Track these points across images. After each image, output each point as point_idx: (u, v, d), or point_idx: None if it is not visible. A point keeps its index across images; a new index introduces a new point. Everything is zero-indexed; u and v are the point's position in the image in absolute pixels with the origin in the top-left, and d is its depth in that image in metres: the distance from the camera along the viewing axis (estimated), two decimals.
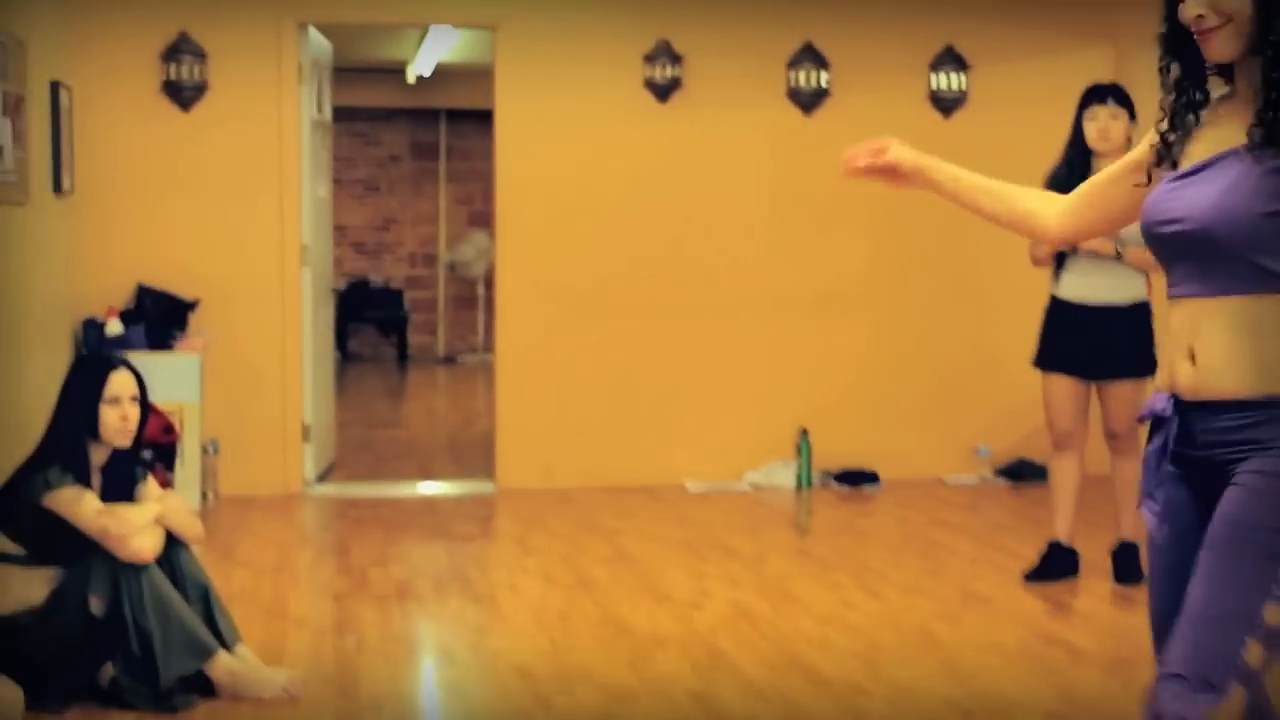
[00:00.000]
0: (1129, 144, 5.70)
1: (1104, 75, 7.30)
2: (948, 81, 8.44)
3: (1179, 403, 2.60)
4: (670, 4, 8.23)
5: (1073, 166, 5.72)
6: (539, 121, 8.13)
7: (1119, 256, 5.66)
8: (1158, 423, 2.67)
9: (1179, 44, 2.57)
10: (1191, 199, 2.52)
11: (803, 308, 8.32)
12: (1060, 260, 5.84)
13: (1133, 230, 5.67)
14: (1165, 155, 2.62)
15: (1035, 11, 8.44)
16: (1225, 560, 2.50)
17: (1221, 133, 2.53)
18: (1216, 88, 2.60)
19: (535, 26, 8.12)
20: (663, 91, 8.21)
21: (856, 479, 8.19)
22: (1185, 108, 2.61)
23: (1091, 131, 5.74)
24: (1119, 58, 8.12)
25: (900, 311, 8.38)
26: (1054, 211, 2.90)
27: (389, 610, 5.56)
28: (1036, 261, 5.91)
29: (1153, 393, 2.69)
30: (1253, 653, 2.45)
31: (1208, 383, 2.53)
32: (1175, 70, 2.61)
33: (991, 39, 8.45)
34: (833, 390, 8.35)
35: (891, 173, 2.97)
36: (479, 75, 8.51)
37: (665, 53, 8.19)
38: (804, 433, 8.17)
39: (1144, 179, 2.70)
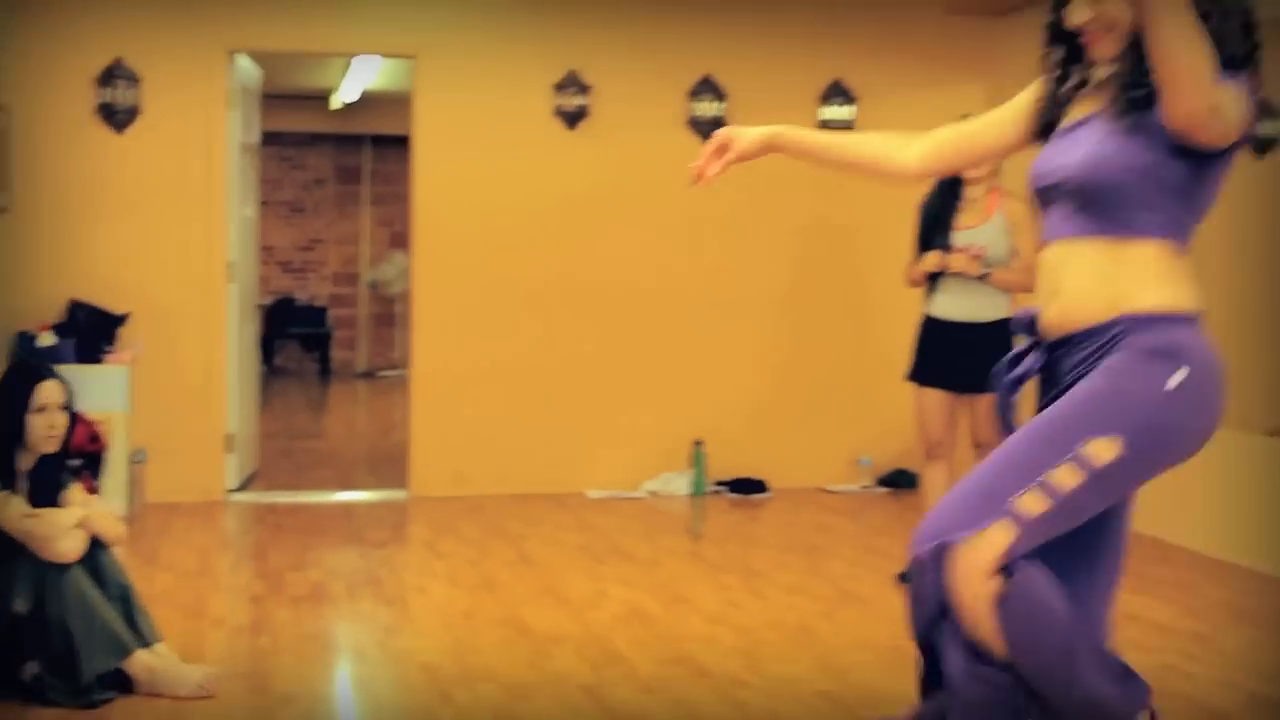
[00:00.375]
0: (997, 172, 5.87)
1: (978, 107, 7.47)
2: (836, 112, 8.62)
3: (1046, 345, 2.74)
4: (580, 36, 8.34)
5: (944, 192, 5.89)
6: (455, 146, 8.21)
7: (984, 278, 5.82)
8: (1016, 358, 2.82)
9: (1063, 33, 2.77)
10: (1067, 153, 2.69)
11: (699, 325, 8.45)
12: (933, 281, 6.00)
13: (997, 253, 5.85)
14: (1047, 114, 2.81)
15: (916, 48, 8.64)
16: (1033, 426, 2.64)
17: (1093, 102, 2.73)
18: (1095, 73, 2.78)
19: (452, 56, 8.20)
20: (571, 119, 8.31)
21: (746, 487, 8.33)
22: (1064, 80, 2.80)
23: None
24: (992, 89, 8.31)
25: (789, 330, 8.52)
26: (915, 150, 3.01)
27: (303, 611, 5.61)
28: (911, 283, 6.06)
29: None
30: (1029, 500, 2.53)
31: (1070, 314, 2.66)
32: (1059, 53, 2.78)
33: (877, 73, 8.63)
34: (726, 405, 8.48)
35: (743, 158, 3.03)
36: (402, 102, 8.56)
37: (574, 83, 8.30)
38: (698, 444, 8.29)
39: (1016, 129, 2.88)
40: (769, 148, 3.03)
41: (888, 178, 3.12)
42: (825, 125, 8.58)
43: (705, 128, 8.41)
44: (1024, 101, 2.89)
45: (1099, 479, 2.53)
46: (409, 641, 5.28)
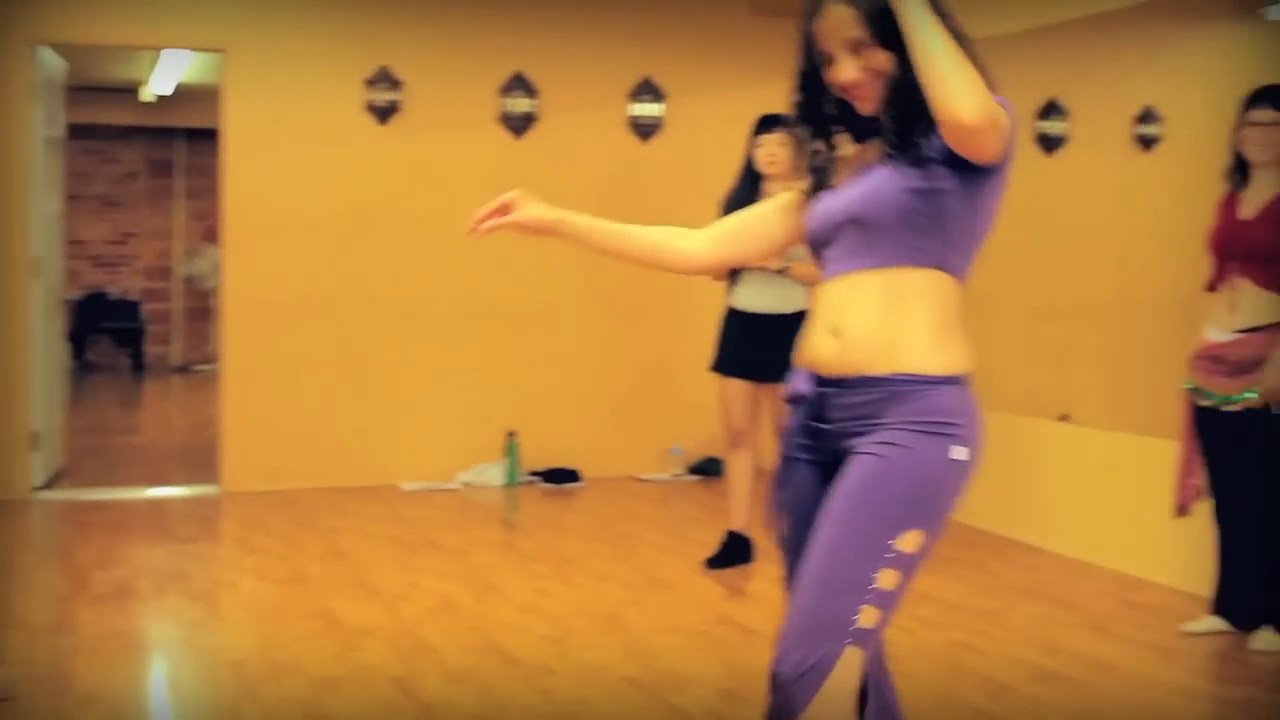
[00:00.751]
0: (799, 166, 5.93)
1: (784, 107, 7.54)
2: (646, 109, 8.64)
3: (818, 379, 2.65)
4: (391, 32, 8.23)
5: (745, 187, 5.95)
6: (265, 141, 8.05)
7: (783, 271, 5.89)
8: (798, 401, 2.71)
9: (814, 110, 2.72)
10: (842, 197, 2.64)
11: (512, 318, 8.41)
12: (735, 275, 6.05)
13: (798, 247, 5.92)
14: (817, 185, 2.73)
15: (724, 48, 8.69)
16: (842, 529, 2.53)
17: (864, 159, 2.66)
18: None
19: (262, 51, 8.03)
20: (383, 114, 8.21)
21: (560, 477, 8.31)
22: (827, 151, 2.73)
23: (760, 157, 5.96)
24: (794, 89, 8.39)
25: (601, 322, 8.52)
26: (699, 241, 2.94)
27: (108, 610, 5.44)
28: (715, 276, 6.10)
29: (794, 373, 2.72)
30: (868, 616, 2.49)
31: (847, 359, 2.59)
32: (813, 129, 2.73)
33: (685, 72, 8.67)
34: (539, 395, 8.46)
35: (521, 226, 2.95)
36: (216, 96, 8.36)
37: (385, 78, 8.19)
38: (512, 435, 8.25)
39: (794, 216, 2.81)
40: (549, 230, 2.95)
41: (672, 268, 3.03)
42: (634, 122, 8.60)
43: (516, 124, 8.37)
44: (792, 195, 2.85)
45: (913, 566, 2.55)
46: (216, 638, 5.17)
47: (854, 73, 2.59)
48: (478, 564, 6.29)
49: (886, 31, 2.52)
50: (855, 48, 2.58)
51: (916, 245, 2.57)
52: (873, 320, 2.59)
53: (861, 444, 2.57)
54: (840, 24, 2.58)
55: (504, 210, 2.95)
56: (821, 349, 2.64)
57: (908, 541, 2.51)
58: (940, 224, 2.55)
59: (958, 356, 2.60)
